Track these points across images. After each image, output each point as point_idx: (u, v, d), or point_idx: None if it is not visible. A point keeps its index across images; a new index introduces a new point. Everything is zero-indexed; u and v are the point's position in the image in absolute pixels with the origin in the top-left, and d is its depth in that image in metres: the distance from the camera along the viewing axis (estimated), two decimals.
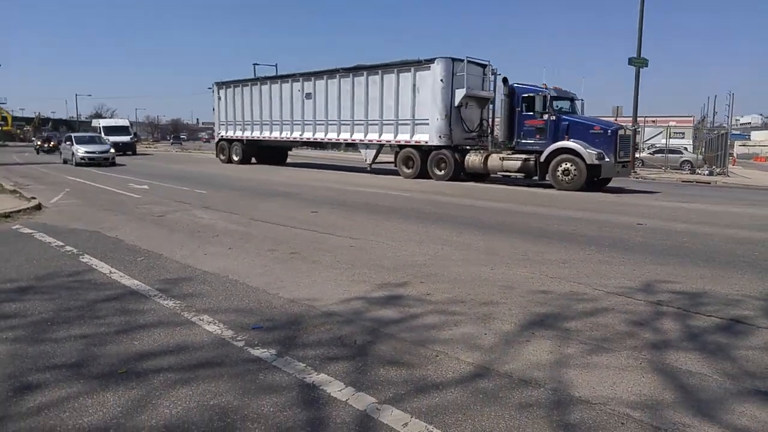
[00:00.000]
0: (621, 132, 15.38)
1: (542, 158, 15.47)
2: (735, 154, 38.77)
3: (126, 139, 34.65)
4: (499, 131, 17.95)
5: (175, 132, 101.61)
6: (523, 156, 15.99)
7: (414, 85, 18.19)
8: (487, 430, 2.57)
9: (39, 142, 38.99)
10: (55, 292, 4.77)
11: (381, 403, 2.80)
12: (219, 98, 26.80)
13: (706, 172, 25.49)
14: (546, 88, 15.83)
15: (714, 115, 33.79)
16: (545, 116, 15.58)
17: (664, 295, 4.85)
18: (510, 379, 3.10)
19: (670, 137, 29.82)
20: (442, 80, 17.41)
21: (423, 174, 18.36)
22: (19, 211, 9.29)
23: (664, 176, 23.12)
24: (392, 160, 20.72)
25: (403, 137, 18.83)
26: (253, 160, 26.05)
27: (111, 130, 34.11)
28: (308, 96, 21.97)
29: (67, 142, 25.41)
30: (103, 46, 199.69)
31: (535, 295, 4.76)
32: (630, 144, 16.90)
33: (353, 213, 10.00)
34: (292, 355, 3.41)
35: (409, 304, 4.46)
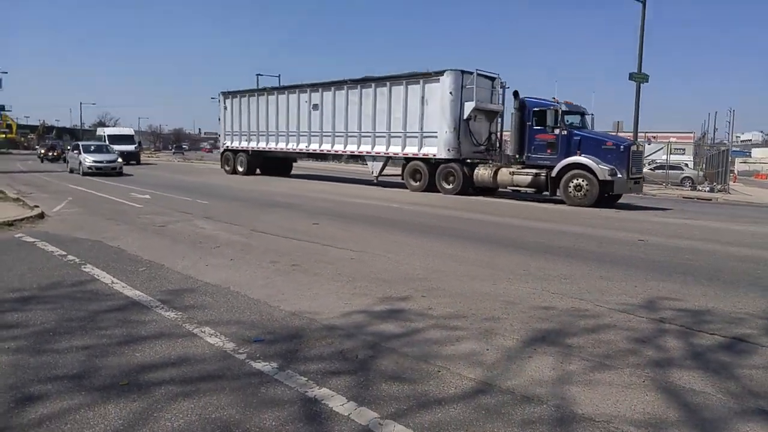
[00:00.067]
0: (633, 148, 15.31)
1: (553, 173, 15.34)
2: (736, 171, 38.89)
3: (130, 148, 34.62)
4: (507, 145, 17.94)
5: (177, 142, 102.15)
6: (534, 171, 15.86)
7: (423, 98, 18.12)
8: None
9: (42, 151, 38.52)
10: (57, 302, 4.77)
11: (383, 418, 2.79)
12: (225, 108, 26.80)
13: (707, 188, 25.54)
14: (557, 103, 15.78)
15: (714, 132, 34.00)
16: (556, 131, 15.48)
17: (666, 312, 4.84)
18: (512, 396, 3.09)
19: (670, 153, 29.92)
20: (451, 93, 17.35)
21: (430, 187, 18.20)
22: (22, 219, 9.32)
23: (665, 192, 23.16)
24: (399, 172, 20.63)
25: (411, 150, 18.72)
26: (258, 171, 25.98)
27: (115, 139, 33.76)
28: (315, 107, 21.93)
29: (74, 151, 25.02)
30: (108, 56, 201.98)
31: (537, 311, 4.75)
32: (642, 160, 16.79)
33: (354, 225, 10.02)
34: (293, 368, 3.40)
35: (410, 319, 4.45)
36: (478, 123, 18.20)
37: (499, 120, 19.03)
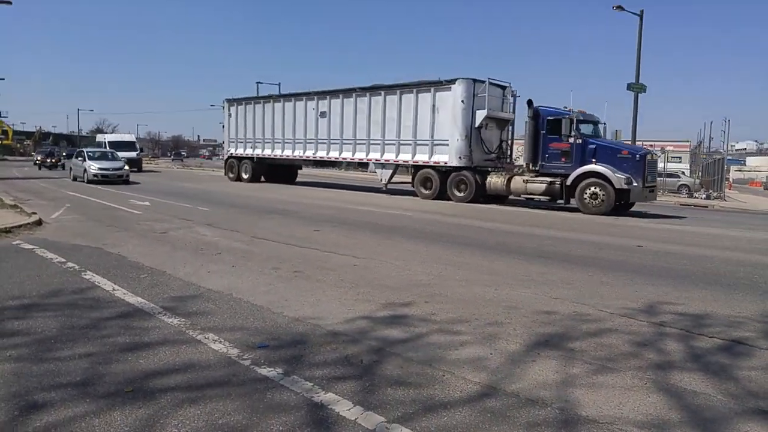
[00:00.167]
0: (649, 157, 15.37)
1: (568, 182, 15.35)
2: (731, 179, 39.18)
3: (132, 154, 34.19)
4: (517, 153, 17.88)
5: (176, 148, 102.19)
6: (548, 179, 15.86)
7: (433, 106, 18.11)
8: None
9: (39, 158, 37.29)
10: (58, 309, 4.75)
11: (390, 422, 2.80)
12: (229, 115, 26.70)
13: (704, 196, 25.72)
14: (571, 111, 15.84)
15: (710, 141, 34.35)
16: (571, 139, 15.49)
17: (666, 316, 4.88)
18: (517, 399, 3.11)
19: (667, 161, 30.17)
20: (463, 101, 17.36)
21: (441, 195, 18.12)
22: (19, 226, 9.29)
23: (663, 200, 23.31)
24: (407, 180, 20.55)
25: (422, 158, 18.66)
26: (262, 178, 25.84)
27: (116, 146, 32.76)
28: (323, 114, 21.86)
29: (78, 158, 23.86)
30: (105, 62, 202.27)
31: (539, 316, 4.78)
32: (656, 169, 16.77)
33: (357, 232, 10.04)
34: (299, 374, 3.41)
35: (414, 324, 4.47)
36: (489, 131, 18.16)
37: (510, 128, 19.04)
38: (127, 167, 23.80)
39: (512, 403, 3.05)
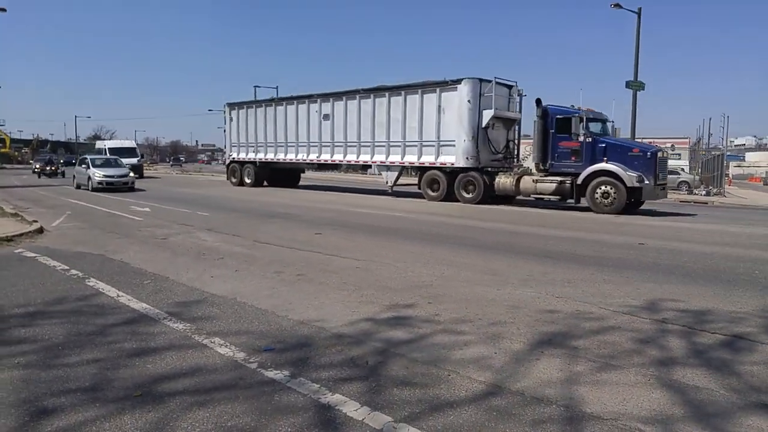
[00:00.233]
0: (660, 154, 15.30)
1: (579, 180, 15.25)
2: (730, 175, 39.31)
3: (133, 161, 33.81)
4: (524, 153, 17.71)
5: (175, 154, 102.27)
6: (558, 178, 15.75)
7: (439, 106, 17.93)
8: None
9: (38, 165, 36.84)
10: (64, 316, 4.78)
11: (397, 421, 2.84)
12: (231, 119, 26.62)
13: (703, 192, 25.81)
14: (580, 110, 15.76)
15: (709, 137, 34.50)
16: (581, 138, 15.38)
17: (668, 313, 4.91)
18: (522, 397, 3.15)
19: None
20: (469, 101, 17.20)
21: (449, 197, 17.95)
22: (21, 234, 9.32)
23: None
24: (412, 182, 20.35)
25: (428, 159, 18.48)
26: (265, 183, 25.70)
27: (117, 152, 31.67)
28: (326, 117, 21.68)
29: (82, 165, 23.21)
30: (101, 69, 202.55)
31: (542, 315, 4.82)
32: (666, 166, 16.61)
33: (360, 235, 10.07)
34: (305, 376, 3.44)
35: (418, 325, 4.50)
36: (496, 131, 17.98)
37: (517, 128, 18.90)
38: (132, 174, 23.52)
39: (517, 402, 3.08)
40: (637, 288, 5.90)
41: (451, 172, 18.04)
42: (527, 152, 22.37)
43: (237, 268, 6.79)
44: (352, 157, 21.16)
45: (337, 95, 21.28)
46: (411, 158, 19.03)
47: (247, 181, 25.80)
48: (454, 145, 17.70)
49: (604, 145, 15.21)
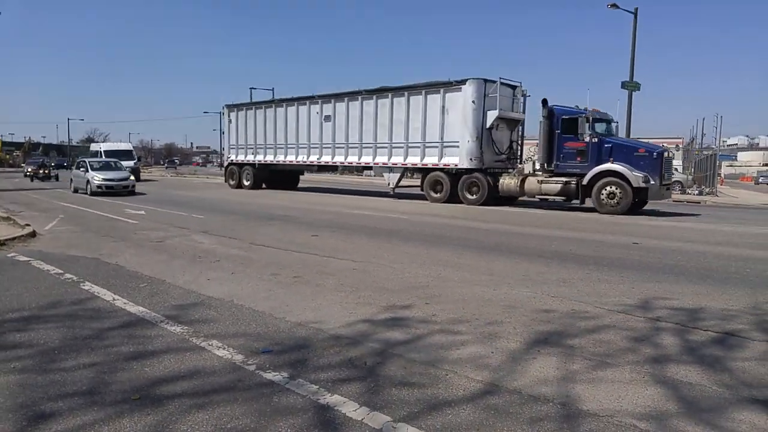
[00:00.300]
0: (666, 154, 15.33)
1: (585, 181, 15.21)
2: (723, 175, 39.67)
3: (130, 164, 33.53)
4: (528, 154, 17.56)
5: (169, 156, 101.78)
6: (564, 179, 15.71)
7: (443, 107, 17.80)
8: None
9: (30, 169, 36.13)
10: (59, 320, 4.76)
11: (396, 421, 2.86)
12: (230, 121, 26.40)
13: (696, 192, 26.03)
14: (586, 110, 15.76)
15: (702, 137, 34.82)
16: (586, 138, 15.37)
17: (662, 311, 4.97)
18: (519, 395, 3.18)
19: None
20: (473, 102, 17.09)
21: (452, 198, 17.83)
22: (13, 238, 9.24)
23: None
24: (414, 184, 20.20)
25: (431, 160, 18.33)
26: (264, 185, 25.50)
27: (113, 155, 30.50)
28: (327, 118, 21.46)
29: (80, 169, 22.40)
30: (95, 71, 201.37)
31: (538, 314, 4.86)
32: (672, 166, 16.55)
33: (358, 236, 10.09)
34: (304, 377, 3.45)
35: (415, 326, 4.53)
36: (499, 132, 17.91)
37: (520, 129, 18.79)
38: (132, 177, 22.86)
39: (515, 400, 3.12)
40: (632, 287, 5.96)
41: (455, 174, 17.90)
42: (531, 153, 22.25)
43: (234, 271, 6.79)
44: (353, 159, 20.98)
45: (339, 96, 21.08)
46: (414, 160, 18.87)
47: (246, 183, 25.59)
48: (457, 146, 17.57)
49: (609, 145, 15.18)
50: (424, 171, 18.93)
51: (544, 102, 16.34)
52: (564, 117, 15.92)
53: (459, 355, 3.86)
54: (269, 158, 24.33)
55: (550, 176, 16.17)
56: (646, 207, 16.25)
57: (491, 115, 17.15)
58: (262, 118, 24.49)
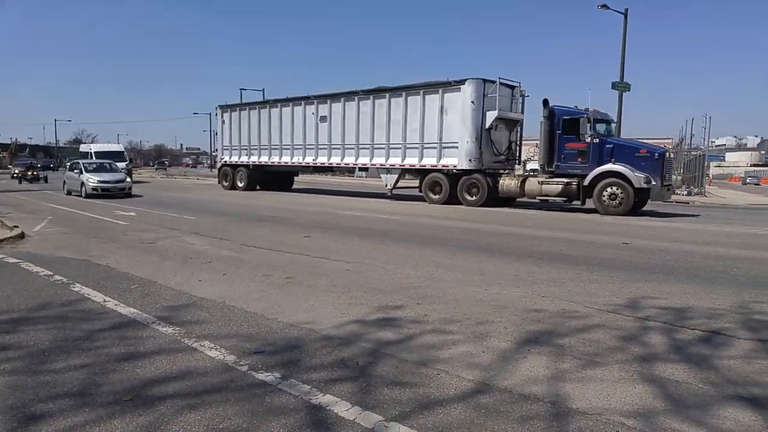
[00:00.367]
0: (667, 155, 15.38)
1: (586, 182, 15.20)
2: (711, 175, 40.15)
3: (122, 165, 33.38)
4: (527, 155, 17.43)
5: (159, 158, 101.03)
6: (565, 180, 15.68)
7: (442, 107, 17.68)
8: None
9: (17, 170, 35.50)
10: (49, 322, 4.73)
11: (388, 420, 2.88)
12: (223, 122, 26.18)
13: (685, 192, 26.31)
14: (587, 110, 15.76)
15: (691, 138, 35.20)
16: (588, 139, 15.34)
17: (650, 310, 5.04)
18: (510, 394, 3.21)
19: None
20: (473, 102, 16.99)
21: (451, 199, 17.74)
22: (2, 240, 9.14)
23: None
24: (412, 184, 20.09)
25: (429, 161, 18.22)
26: (258, 186, 25.29)
27: (104, 156, 29.53)
28: (323, 119, 21.23)
29: (74, 171, 21.73)
30: (82, 72, 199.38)
31: (528, 314, 4.90)
32: (672, 167, 16.65)
33: (350, 238, 10.09)
34: (296, 377, 3.46)
35: (407, 326, 4.55)
36: (498, 132, 17.85)
37: (519, 129, 18.75)
38: (129, 179, 22.35)
39: (506, 399, 3.15)
40: (621, 286, 6.03)
41: (454, 175, 17.81)
42: (531, 154, 22.18)
43: (225, 272, 6.77)
44: (350, 160, 20.80)
45: (335, 96, 20.89)
46: (412, 161, 18.72)
47: (240, 184, 25.37)
48: (457, 147, 17.47)
49: (611, 146, 15.19)
50: (423, 172, 18.80)
51: (545, 102, 16.28)
52: (565, 117, 15.88)
53: (450, 354, 3.89)
54: (264, 159, 24.10)
55: (551, 177, 16.12)
56: (645, 208, 16.33)
57: (490, 116, 17.08)
58: (256, 118, 24.26)
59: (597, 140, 15.32)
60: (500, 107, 17.14)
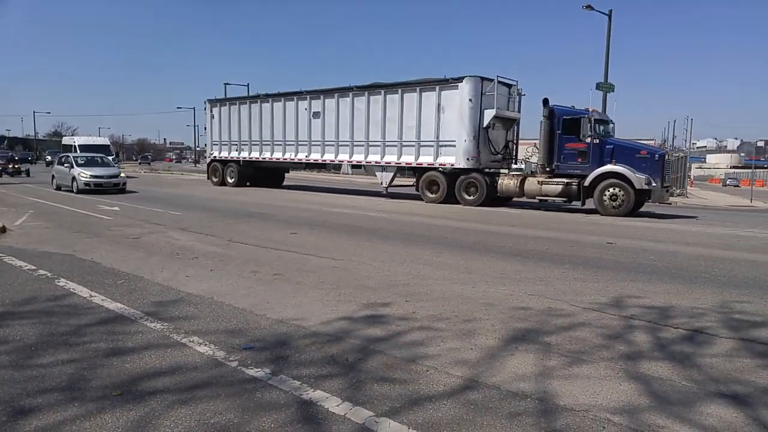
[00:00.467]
0: (667, 157, 15.47)
1: (586, 182, 15.14)
2: (692, 176, 40.90)
3: (108, 159, 32.62)
4: (524, 154, 17.33)
5: (142, 152, 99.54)
6: (565, 180, 15.63)
7: (439, 105, 17.40)
8: None
9: None
10: (35, 317, 4.67)
11: (378, 416, 2.91)
12: (212, 117, 25.68)
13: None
14: (587, 110, 15.73)
15: (674, 139, 35.82)
16: (588, 139, 15.29)
17: (634, 309, 5.15)
18: (498, 391, 3.27)
19: None
20: (470, 100, 16.75)
21: (449, 198, 17.55)
22: None
23: None
24: (407, 183, 19.86)
25: (426, 159, 17.95)
26: (248, 183, 24.93)
27: (89, 150, 28.04)
28: (316, 115, 20.84)
29: (64, 165, 20.87)
30: (64, 65, 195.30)
31: (515, 312, 4.98)
32: (671, 168, 16.62)
33: (338, 235, 10.10)
34: (286, 373, 3.48)
35: (395, 323, 4.59)
36: (496, 131, 17.69)
37: (516, 128, 18.66)
38: (123, 174, 21.64)
39: (494, 395, 3.20)
40: (607, 285, 6.14)
41: (451, 174, 17.54)
42: (529, 153, 22.17)
43: (212, 268, 6.74)
44: (344, 157, 20.51)
45: (328, 92, 20.52)
46: (408, 159, 18.49)
47: (230, 180, 25.01)
48: (454, 146, 17.20)
49: (611, 146, 15.18)
50: (420, 170, 18.59)
51: (545, 102, 16.19)
52: (565, 117, 15.82)
53: (439, 351, 3.93)
54: (254, 155, 23.70)
55: (551, 177, 16.09)
56: (642, 209, 16.48)
57: (488, 114, 16.92)
58: (246, 113, 23.87)
59: (597, 141, 15.29)
60: (498, 106, 16.98)
